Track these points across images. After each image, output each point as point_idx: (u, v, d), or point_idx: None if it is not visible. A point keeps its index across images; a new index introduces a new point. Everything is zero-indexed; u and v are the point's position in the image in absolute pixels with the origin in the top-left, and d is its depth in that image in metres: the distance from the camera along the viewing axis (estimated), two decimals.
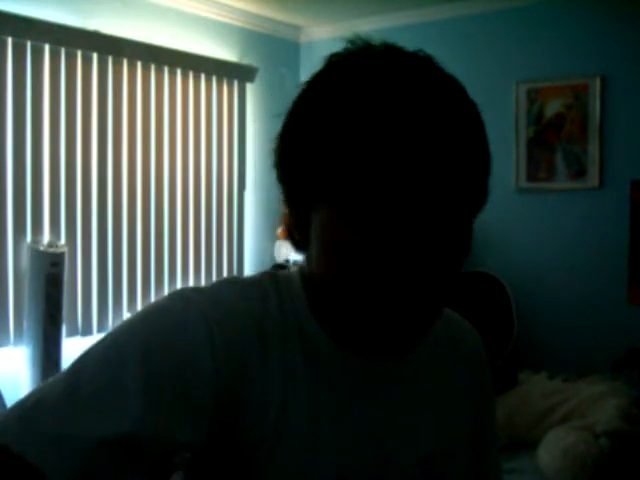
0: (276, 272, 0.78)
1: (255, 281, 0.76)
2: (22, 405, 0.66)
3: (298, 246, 0.76)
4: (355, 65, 0.67)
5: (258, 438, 0.69)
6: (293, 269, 0.80)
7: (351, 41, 0.70)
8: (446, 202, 0.64)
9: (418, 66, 0.66)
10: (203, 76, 3.80)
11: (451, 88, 0.66)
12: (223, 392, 0.67)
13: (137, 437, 0.63)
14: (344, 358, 0.74)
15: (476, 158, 0.66)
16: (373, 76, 0.65)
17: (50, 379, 0.68)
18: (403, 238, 0.63)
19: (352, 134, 0.63)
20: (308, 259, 0.75)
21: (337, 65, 0.69)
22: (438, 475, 0.79)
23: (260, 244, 4.17)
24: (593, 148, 3.43)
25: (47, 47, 3.10)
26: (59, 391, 0.65)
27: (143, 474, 0.66)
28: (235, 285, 0.74)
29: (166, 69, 3.60)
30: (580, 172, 3.48)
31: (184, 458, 0.74)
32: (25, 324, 3.00)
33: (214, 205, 3.88)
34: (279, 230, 4.17)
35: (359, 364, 0.75)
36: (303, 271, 0.78)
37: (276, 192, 0.76)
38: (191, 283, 3.75)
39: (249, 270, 4.04)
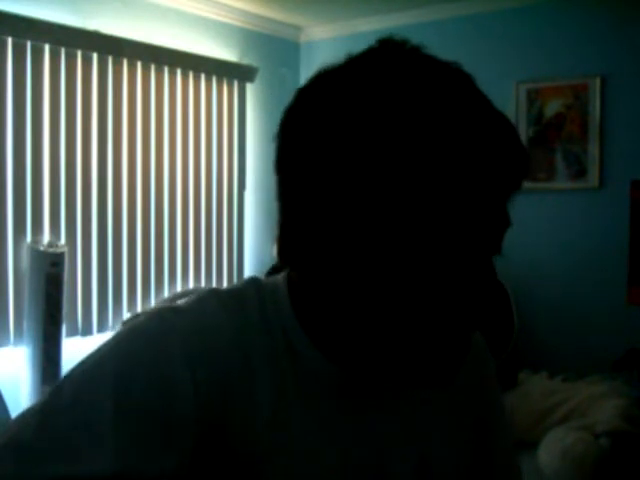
0: (260, 281, 0.73)
1: (237, 294, 0.70)
2: None
3: (296, 257, 0.67)
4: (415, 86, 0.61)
5: (248, 457, 0.65)
6: (278, 277, 0.73)
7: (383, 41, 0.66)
8: (488, 238, 0.65)
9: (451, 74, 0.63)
10: (203, 76, 3.80)
11: (485, 104, 0.64)
12: (205, 417, 0.63)
13: (114, 476, 0.59)
14: (335, 372, 0.70)
15: (519, 180, 0.65)
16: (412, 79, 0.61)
17: (21, 415, 0.64)
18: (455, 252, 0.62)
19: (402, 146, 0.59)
20: (304, 275, 0.69)
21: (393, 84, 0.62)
22: None
23: (260, 244, 4.17)
24: (593, 148, 3.43)
25: (47, 47, 3.10)
26: (30, 432, 0.61)
27: None
28: (215, 300, 0.68)
29: (166, 69, 3.60)
30: (580, 172, 3.48)
31: None
32: (25, 324, 3.00)
33: (214, 205, 3.88)
34: None
35: (347, 381, 0.71)
36: (291, 280, 0.72)
37: (276, 192, 0.71)
38: (191, 283, 3.75)
39: (249, 270, 4.04)
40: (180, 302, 0.70)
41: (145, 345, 0.64)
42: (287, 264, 0.69)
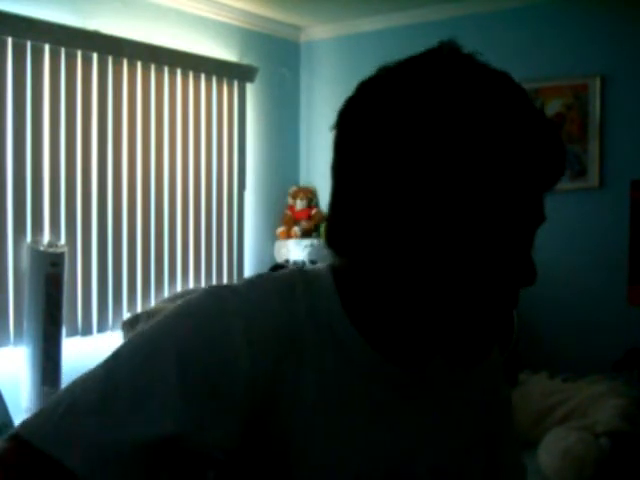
0: (305, 271, 0.76)
1: (286, 280, 0.73)
2: (55, 408, 0.64)
3: (347, 244, 0.72)
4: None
5: (290, 436, 0.69)
6: (321, 267, 0.77)
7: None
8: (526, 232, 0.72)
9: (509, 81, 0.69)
10: (203, 76, 3.80)
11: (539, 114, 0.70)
12: (259, 393, 0.67)
13: (175, 440, 0.63)
14: (377, 360, 0.73)
15: (558, 174, 0.73)
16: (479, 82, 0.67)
17: (79, 380, 0.67)
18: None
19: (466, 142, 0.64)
20: (351, 264, 0.73)
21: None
22: None
23: (260, 244, 4.17)
24: (593, 148, 3.43)
25: (47, 47, 3.10)
26: (94, 394, 0.64)
27: (178, 476, 0.66)
28: (268, 284, 0.72)
29: (166, 69, 3.60)
30: (580, 172, 3.48)
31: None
32: (25, 324, 3.00)
33: (214, 205, 3.88)
34: (279, 230, 4.17)
35: (391, 370, 0.74)
36: (335, 269, 0.75)
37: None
38: (191, 283, 3.75)
39: (249, 270, 4.04)
40: (233, 284, 0.74)
41: (206, 320, 0.67)
42: (336, 251, 0.73)
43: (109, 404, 0.63)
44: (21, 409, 2.86)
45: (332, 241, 0.72)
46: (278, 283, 0.73)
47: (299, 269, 0.76)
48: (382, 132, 0.66)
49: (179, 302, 0.71)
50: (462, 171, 0.64)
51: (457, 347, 0.73)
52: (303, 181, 4.36)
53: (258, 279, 0.74)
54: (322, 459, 0.70)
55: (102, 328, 3.34)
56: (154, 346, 0.66)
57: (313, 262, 3.79)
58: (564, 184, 3.68)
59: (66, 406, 0.64)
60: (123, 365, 0.66)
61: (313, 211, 4.19)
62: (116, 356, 0.68)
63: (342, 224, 0.70)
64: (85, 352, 3.07)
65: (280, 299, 0.70)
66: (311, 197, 4.24)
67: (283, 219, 4.21)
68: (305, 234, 4.13)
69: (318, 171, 4.29)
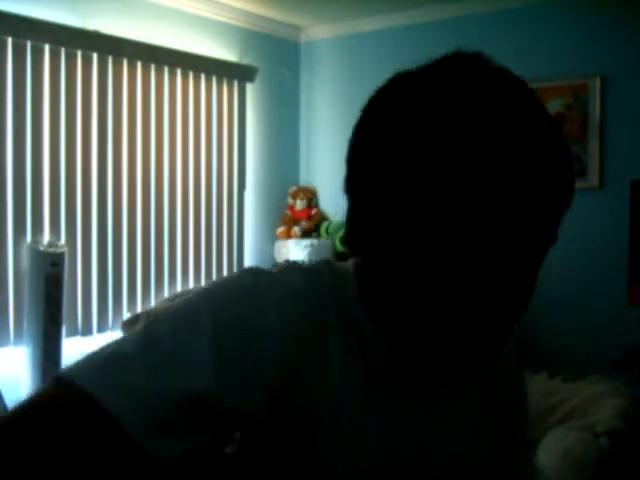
0: (333, 263, 0.79)
1: (314, 270, 0.77)
2: (98, 355, 0.67)
3: (360, 252, 0.76)
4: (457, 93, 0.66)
5: (315, 415, 0.71)
6: (348, 262, 0.80)
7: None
8: (537, 235, 0.68)
9: (517, 91, 0.67)
10: (203, 76, 3.81)
11: (545, 115, 0.67)
12: (286, 366, 0.69)
13: (208, 399, 0.65)
14: (391, 356, 0.76)
15: (565, 203, 0.69)
16: (475, 99, 0.65)
17: (120, 337, 0.71)
18: (493, 275, 0.66)
19: (455, 166, 0.63)
20: (368, 266, 0.76)
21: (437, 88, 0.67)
22: (466, 474, 0.81)
23: (260, 244, 4.17)
24: (593, 148, 3.43)
25: (47, 47, 3.10)
26: (136, 345, 0.67)
27: (209, 436, 0.68)
28: (298, 270, 0.76)
29: (166, 69, 3.60)
30: (580, 172, 3.48)
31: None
32: (25, 324, 3.00)
33: (214, 205, 3.88)
34: (279, 230, 4.17)
35: (409, 369, 0.77)
36: (358, 267, 0.78)
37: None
38: (191, 283, 3.75)
39: None
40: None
41: (240, 293, 0.70)
42: (352, 250, 0.76)
43: (149, 355, 0.66)
44: None
45: (348, 241, 0.76)
46: (307, 270, 0.76)
47: (328, 261, 0.80)
48: (387, 145, 0.67)
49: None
50: (454, 188, 0.64)
51: (447, 361, 0.73)
52: (303, 181, 4.36)
53: (289, 266, 0.77)
54: (350, 440, 0.73)
55: (102, 328, 3.34)
56: (192, 309, 0.69)
57: None
58: None
59: (108, 354, 0.67)
60: (162, 322, 0.69)
61: (313, 211, 4.19)
62: (155, 317, 0.71)
63: (355, 228, 0.74)
64: (85, 352, 3.06)
65: (309, 282, 0.74)
66: (311, 197, 4.24)
67: (283, 219, 4.21)
68: (305, 234, 4.13)
69: (318, 171, 4.30)
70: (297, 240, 4.08)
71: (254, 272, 0.73)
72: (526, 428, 0.93)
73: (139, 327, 0.70)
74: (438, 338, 0.70)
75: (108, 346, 0.68)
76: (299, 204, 4.20)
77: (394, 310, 0.72)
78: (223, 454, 0.76)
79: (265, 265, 0.79)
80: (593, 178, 3.43)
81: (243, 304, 0.69)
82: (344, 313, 0.74)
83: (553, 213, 0.68)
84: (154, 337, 0.68)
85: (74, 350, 3.07)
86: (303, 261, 0.79)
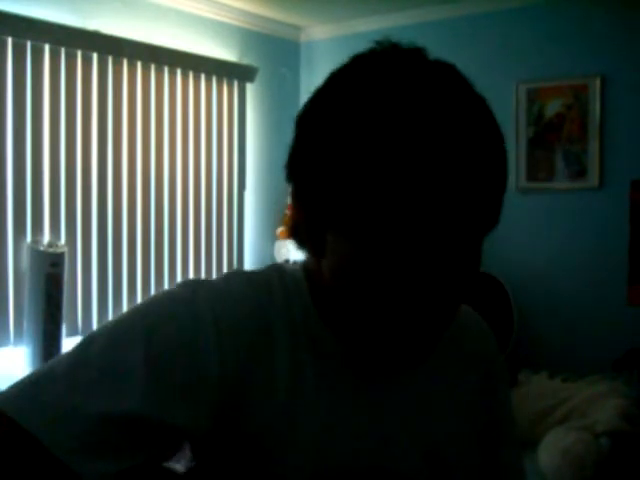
0: (282, 266, 0.79)
1: (262, 274, 0.76)
2: (29, 377, 0.67)
3: (303, 247, 0.75)
4: (380, 79, 0.65)
5: (266, 423, 0.70)
6: (296, 266, 0.79)
7: (379, 43, 0.69)
8: (470, 230, 0.65)
9: (446, 86, 0.65)
10: (203, 76, 3.80)
11: (478, 108, 0.66)
12: (228, 378, 0.68)
13: (139, 417, 0.64)
14: (344, 353, 0.75)
15: (501, 180, 0.67)
16: (399, 94, 0.63)
17: (58, 356, 0.69)
18: (426, 268, 0.65)
19: (375, 164, 0.62)
20: (316, 262, 0.75)
21: (361, 76, 0.67)
22: (443, 468, 0.80)
23: (260, 244, 4.17)
24: (593, 148, 3.43)
25: (47, 47, 3.10)
26: (67, 365, 0.66)
27: (144, 454, 0.66)
28: (242, 277, 0.75)
29: (166, 69, 3.60)
30: (580, 172, 3.48)
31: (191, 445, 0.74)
32: (25, 324, 3.01)
33: (214, 205, 3.88)
34: (279, 230, 4.17)
35: (362, 363, 0.76)
36: (307, 268, 0.77)
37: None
38: None
39: None
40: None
41: (175, 306, 0.69)
42: (297, 243, 0.76)
43: (78, 376, 0.65)
44: None
45: (293, 234, 0.75)
46: (253, 276, 0.76)
47: (276, 265, 0.79)
48: (321, 143, 0.66)
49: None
50: (376, 187, 0.63)
51: (392, 351, 0.72)
52: None
53: (232, 272, 0.76)
54: (307, 444, 0.71)
55: None
56: (127, 324, 0.68)
57: None
58: (564, 184, 3.67)
59: (38, 375, 0.66)
60: (97, 339, 0.68)
61: None
62: (92, 335, 0.70)
63: (299, 229, 0.73)
64: None
65: (253, 290, 0.73)
66: None
67: (283, 219, 4.21)
68: None
69: None
70: None
71: (194, 285, 0.72)
72: (511, 429, 0.91)
73: (74, 347, 0.69)
74: (383, 330, 0.69)
75: (42, 367, 0.68)
76: None
77: (340, 304, 0.71)
78: (173, 472, 0.73)
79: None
80: (593, 178, 3.43)
81: (180, 319, 0.68)
82: (294, 318, 0.73)
83: (488, 200, 0.66)
84: (86, 355, 0.67)
85: None
86: (247, 269, 0.79)
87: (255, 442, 0.70)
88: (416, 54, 0.67)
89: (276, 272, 0.77)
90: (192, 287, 0.71)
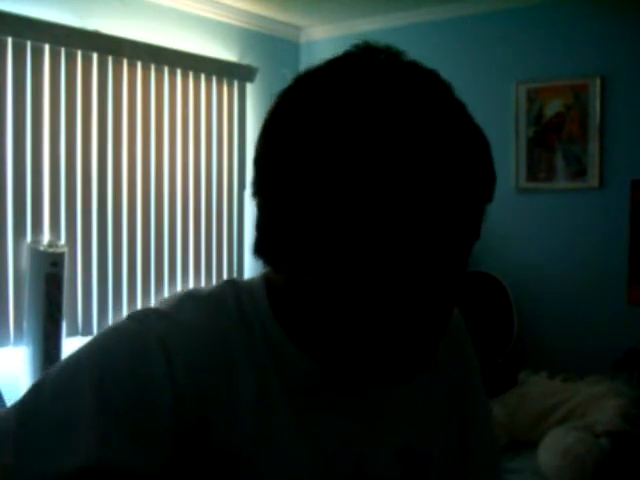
0: (237, 282, 0.74)
1: (214, 295, 0.71)
2: None
3: (273, 264, 0.69)
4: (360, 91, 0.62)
5: (231, 452, 0.67)
6: (255, 277, 0.75)
7: (356, 46, 0.67)
8: (460, 236, 0.63)
9: (426, 91, 0.62)
10: (203, 76, 3.80)
11: (457, 114, 0.63)
12: (186, 415, 0.64)
13: (93, 470, 0.59)
14: (312, 369, 0.71)
15: (488, 188, 0.64)
16: (379, 102, 0.61)
17: (3, 410, 0.66)
18: (420, 281, 0.62)
19: (359, 179, 0.59)
20: (283, 277, 0.70)
21: (341, 88, 0.63)
22: (419, 465, 0.78)
23: None
24: (593, 148, 3.43)
25: (47, 47, 3.10)
26: (12, 424, 0.62)
27: None
28: (193, 301, 0.70)
29: (166, 69, 3.60)
30: (580, 172, 3.48)
31: None
32: (25, 324, 3.00)
33: (214, 205, 3.88)
34: None
35: (326, 374, 0.72)
36: (270, 282, 0.73)
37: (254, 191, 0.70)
38: (191, 283, 3.75)
39: (249, 270, 4.04)
40: (159, 304, 0.71)
41: (124, 343, 0.65)
42: (265, 260, 0.70)
43: (24, 435, 0.61)
44: None
45: (260, 251, 0.70)
46: (205, 298, 0.71)
47: (231, 281, 0.74)
48: (292, 150, 0.63)
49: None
50: (360, 190, 0.60)
51: (380, 368, 0.68)
52: None
53: (184, 296, 0.71)
54: (276, 470, 0.68)
55: (102, 328, 3.33)
56: (73, 367, 0.65)
57: None
58: (564, 184, 3.66)
59: None
60: (43, 395, 0.64)
61: None
62: (38, 385, 0.66)
63: (266, 235, 0.68)
64: None
65: (206, 313, 0.68)
66: None
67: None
68: None
69: None
70: None
71: (141, 317, 0.67)
72: (483, 414, 0.89)
73: (21, 398, 0.65)
74: (368, 346, 0.65)
75: None
76: None
77: (318, 322, 0.67)
78: None
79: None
80: (593, 178, 3.43)
81: (128, 356, 0.63)
82: (255, 338, 0.69)
83: (471, 209, 0.63)
84: (31, 408, 0.63)
85: (74, 350, 3.07)
86: (201, 290, 0.73)
87: (224, 466, 0.67)
88: (393, 58, 0.65)
89: (231, 289, 0.72)
90: (140, 322, 0.66)
